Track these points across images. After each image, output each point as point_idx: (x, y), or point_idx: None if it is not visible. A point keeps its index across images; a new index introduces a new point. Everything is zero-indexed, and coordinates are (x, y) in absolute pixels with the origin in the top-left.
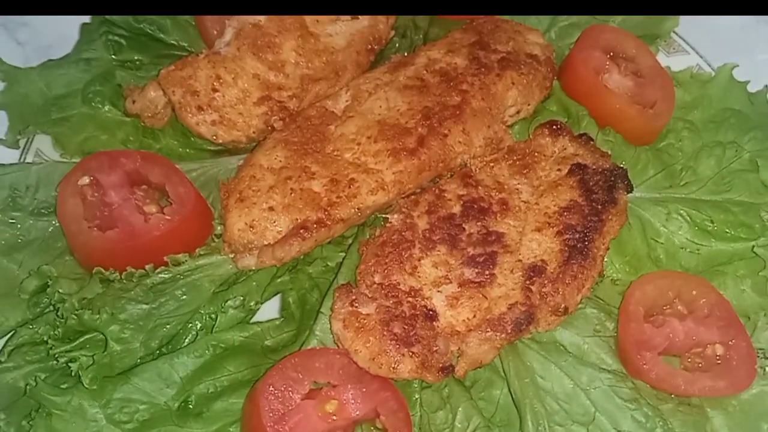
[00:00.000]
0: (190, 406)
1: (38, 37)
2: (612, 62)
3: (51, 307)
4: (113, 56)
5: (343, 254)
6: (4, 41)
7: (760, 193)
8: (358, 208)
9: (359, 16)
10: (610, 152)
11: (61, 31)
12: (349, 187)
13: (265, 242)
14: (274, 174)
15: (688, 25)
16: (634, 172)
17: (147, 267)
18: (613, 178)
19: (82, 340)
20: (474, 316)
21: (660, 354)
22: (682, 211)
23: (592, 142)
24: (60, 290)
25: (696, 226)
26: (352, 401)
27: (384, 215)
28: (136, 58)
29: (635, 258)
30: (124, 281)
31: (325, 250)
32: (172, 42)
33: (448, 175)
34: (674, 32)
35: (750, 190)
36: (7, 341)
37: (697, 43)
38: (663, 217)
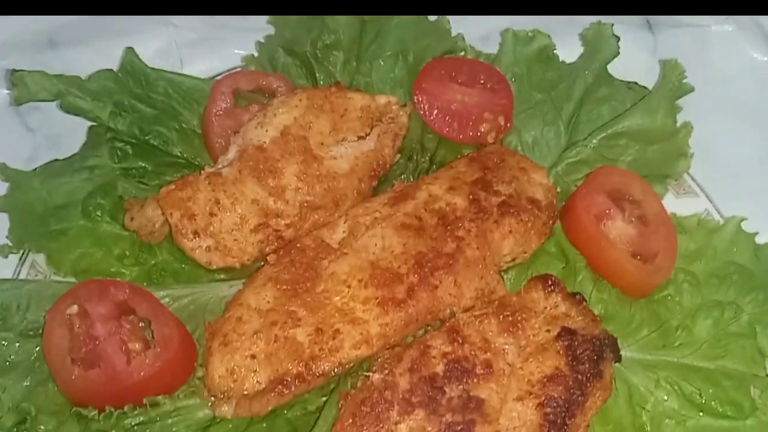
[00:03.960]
0: None
1: (49, 124)
2: (616, 206)
3: None
4: (117, 164)
5: (324, 398)
6: (15, 126)
7: (756, 362)
8: (339, 363)
9: (366, 135)
10: (603, 312)
11: (71, 120)
12: (333, 338)
13: (244, 392)
14: (260, 317)
15: (700, 158)
16: (627, 330)
17: (126, 408)
18: (601, 348)
19: None
20: None
21: None
22: (671, 379)
23: (584, 304)
24: (39, 428)
25: (684, 396)
26: None
27: (366, 373)
28: (140, 165)
29: (619, 427)
30: (102, 421)
31: (306, 394)
32: (177, 153)
33: (435, 325)
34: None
35: (745, 357)
36: None
37: (707, 180)
38: (651, 384)
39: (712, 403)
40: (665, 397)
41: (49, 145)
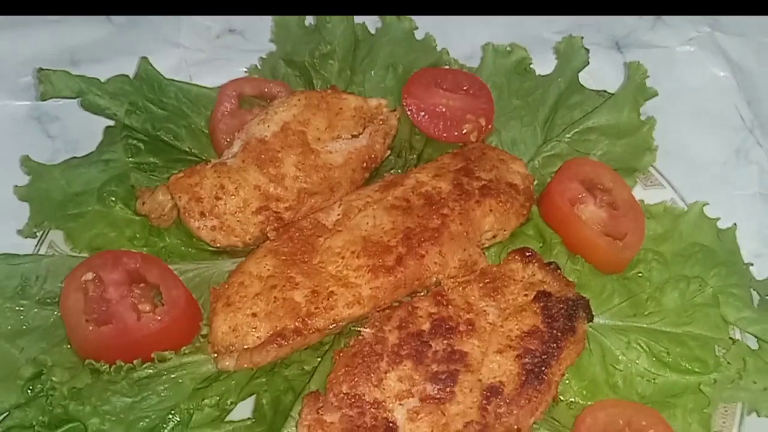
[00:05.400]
0: None
1: (67, 132)
2: (589, 193)
3: (43, 393)
4: (131, 158)
5: (319, 359)
6: (36, 134)
7: (720, 328)
8: (333, 320)
9: (359, 134)
10: (576, 281)
11: (89, 128)
12: (328, 299)
13: (246, 346)
14: (261, 281)
15: (667, 158)
16: (599, 300)
17: (135, 361)
18: (574, 308)
19: (65, 428)
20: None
21: None
22: (641, 341)
23: (559, 271)
24: (53, 378)
25: (654, 356)
26: None
27: (358, 328)
28: (151, 160)
29: (593, 383)
30: (113, 374)
31: (303, 354)
32: (185, 149)
33: (423, 292)
34: (653, 166)
35: (710, 324)
36: (0, 422)
37: (675, 177)
38: (623, 346)
39: (680, 361)
40: (636, 358)
41: (68, 150)
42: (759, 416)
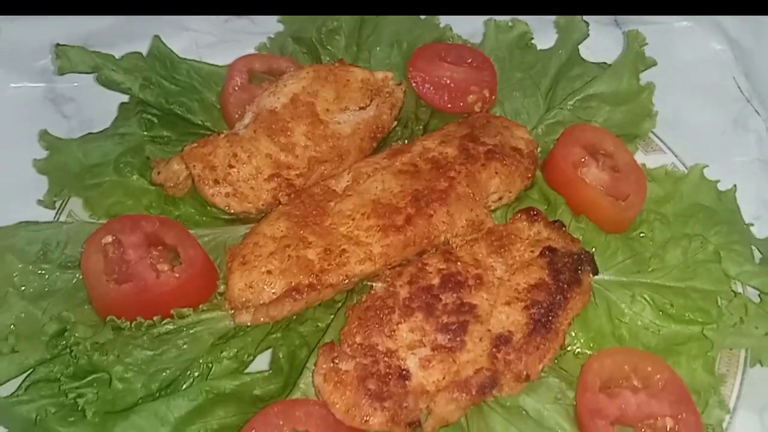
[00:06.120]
0: None
1: (82, 112)
2: (591, 157)
3: (67, 349)
4: (145, 132)
5: (333, 316)
6: (52, 114)
7: (722, 282)
8: (346, 276)
9: (366, 106)
10: (581, 238)
11: (103, 107)
12: (340, 256)
13: (261, 301)
14: (275, 242)
15: (668, 128)
16: (604, 257)
17: (155, 318)
18: (579, 261)
19: (90, 378)
20: (443, 378)
21: (613, 423)
22: (645, 295)
23: (564, 228)
24: (76, 334)
25: (658, 309)
26: None
27: (370, 283)
28: (165, 134)
29: (599, 335)
30: (134, 330)
31: (317, 312)
32: (198, 122)
33: (432, 251)
34: (653, 133)
35: (712, 279)
36: (25, 378)
37: (675, 145)
38: (628, 299)
39: (683, 312)
40: (641, 311)
41: (83, 128)
42: (762, 366)
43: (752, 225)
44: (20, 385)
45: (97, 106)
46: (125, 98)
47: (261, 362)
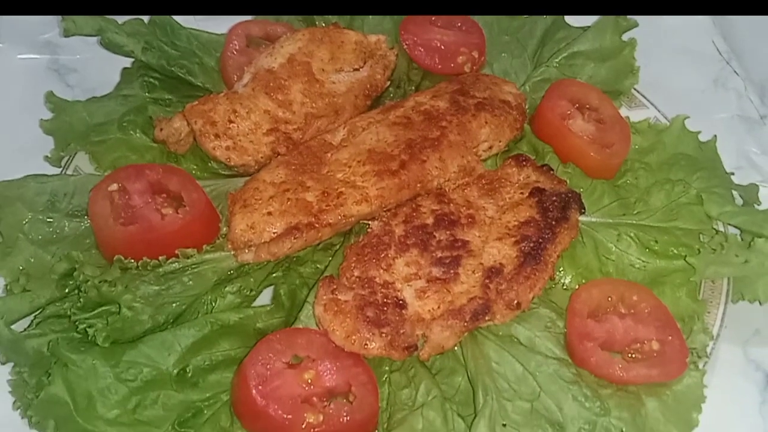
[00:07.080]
0: (188, 375)
1: (85, 81)
2: (577, 110)
3: (76, 288)
4: (147, 94)
5: (331, 258)
6: (56, 82)
7: (704, 222)
8: (343, 216)
9: (360, 68)
10: (567, 181)
11: (106, 76)
12: (338, 198)
13: (263, 241)
14: (274, 187)
15: (649, 91)
16: (590, 200)
17: (160, 258)
18: (567, 200)
19: (99, 310)
20: (438, 307)
21: (602, 347)
22: (631, 233)
23: (552, 172)
24: (85, 272)
25: (643, 246)
26: (328, 373)
27: (367, 222)
28: (166, 97)
29: (587, 271)
30: (140, 269)
31: (316, 254)
32: (198, 84)
33: (425, 195)
34: (637, 90)
35: (694, 219)
36: (36, 315)
37: (658, 102)
38: (614, 238)
39: (668, 247)
40: (627, 248)
41: (86, 96)
42: (744, 299)
43: (732, 174)
44: (31, 321)
45: (100, 78)
46: (128, 63)
47: (261, 300)
